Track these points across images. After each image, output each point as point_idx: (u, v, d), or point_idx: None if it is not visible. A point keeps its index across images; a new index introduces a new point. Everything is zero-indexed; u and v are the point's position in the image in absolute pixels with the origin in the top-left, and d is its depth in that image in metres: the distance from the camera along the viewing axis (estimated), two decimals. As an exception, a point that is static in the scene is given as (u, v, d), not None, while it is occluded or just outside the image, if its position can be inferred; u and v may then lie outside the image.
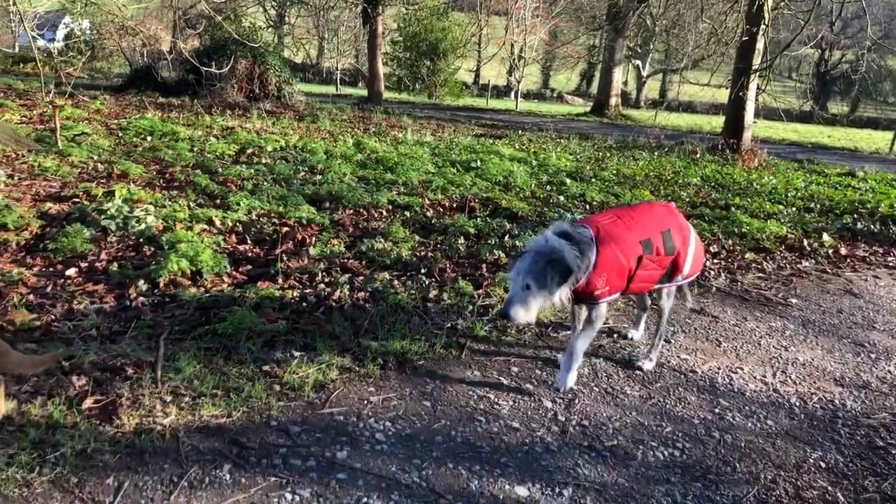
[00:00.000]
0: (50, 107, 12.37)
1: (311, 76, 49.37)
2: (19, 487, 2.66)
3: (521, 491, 3.00)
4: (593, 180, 10.41)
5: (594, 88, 48.51)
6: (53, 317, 4.12)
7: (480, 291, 5.09)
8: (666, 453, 3.39)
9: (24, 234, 5.43)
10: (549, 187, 9.57)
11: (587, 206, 8.49)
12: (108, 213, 5.76)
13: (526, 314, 3.53)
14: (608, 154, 14.16)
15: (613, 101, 31.79)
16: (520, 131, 18.29)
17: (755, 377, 4.34)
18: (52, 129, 9.52)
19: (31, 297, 4.38)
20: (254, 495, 2.78)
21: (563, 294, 3.58)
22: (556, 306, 3.68)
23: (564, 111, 34.31)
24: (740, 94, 15.40)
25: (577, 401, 3.83)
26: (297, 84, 21.59)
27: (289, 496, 2.80)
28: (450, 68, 33.66)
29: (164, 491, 2.75)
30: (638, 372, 4.25)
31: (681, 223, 4.04)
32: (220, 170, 8.41)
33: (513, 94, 41.46)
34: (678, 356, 4.55)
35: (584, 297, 3.74)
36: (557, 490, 3.02)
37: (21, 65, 29.05)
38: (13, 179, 6.97)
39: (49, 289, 4.52)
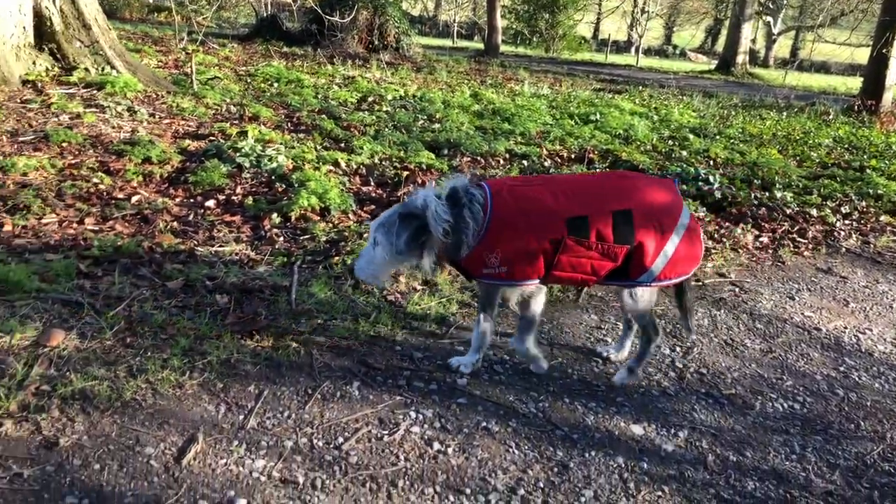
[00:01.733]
0: (183, 53, 13.00)
1: (428, 29, 49.41)
2: (173, 388, 2.93)
3: (637, 429, 3.04)
4: (717, 137, 10.06)
5: (720, 45, 46.29)
6: (196, 242, 4.42)
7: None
8: (785, 405, 3.34)
9: (167, 168, 5.80)
10: (670, 142, 9.33)
11: (711, 163, 8.24)
12: (243, 151, 6.06)
13: (373, 273, 3.09)
14: (733, 112, 13.60)
15: (740, 58, 30.31)
16: (640, 87, 17.78)
17: (885, 339, 4.18)
18: (186, 73, 10.01)
19: (174, 224, 4.70)
20: (380, 411, 2.95)
21: (426, 259, 3.02)
22: (425, 272, 3.20)
23: (687, 68, 33.00)
24: (883, 50, 14.40)
25: (695, 349, 3.81)
26: (414, 36, 21.71)
27: (413, 414, 2.96)
28: (569, 21, 32.93)
29: (299, 401, 2.95)
30: (759, 325, 4.17)
31: (661, 206, 3.05)
32: (343, 116, 8.64)
33: (633, 49, 40.20)
34: (802, 313, 4.43)
35: (470, 273, 3.10)
36: (672, 431, 3.05)
37: (156, 13, 30.44)
38: (154, 118, 7.41)
39: (191, 217, 4.84)
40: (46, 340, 3.05)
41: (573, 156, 7.85)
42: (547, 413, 3.08)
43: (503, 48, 30.70)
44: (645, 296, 3.18)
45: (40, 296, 3.42)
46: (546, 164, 7.31)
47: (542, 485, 2.63)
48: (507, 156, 7.54)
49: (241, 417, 2.81)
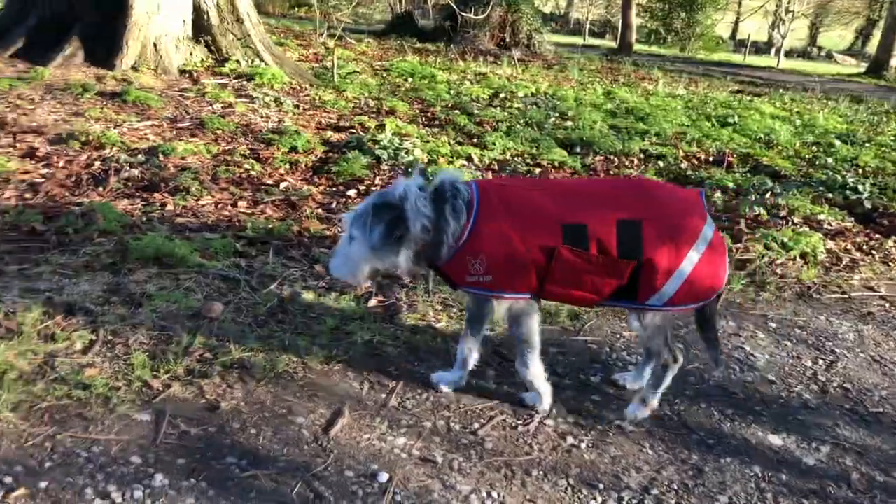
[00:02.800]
0: (323, 47, 13.51)
1: (559, 27, 49.02)
2: (321, 363, 3.10)
3: (775, 440, 2.97)
4: (867, 144, 9.50)
5: (871, 47, 43.45)
6: (339, 229, 4.63)
7: (739, 246, 4.94)
8: (941, 429, 3.16)
9: (311, 157, 6.09)
10: (815, 148, 8.90)
11: (860, 171, 7.80)
12: (381, 143, 6.27)
13: (349, 271, 2.80)
14: (885, 119, 12.78)
15: (895, 62, 28.37)
16: (781, 90, 17.00)
17: None
18: (326, 66, 10.42)
19: (319, 210, 4.94)
20: (515, 401, 3.01)
21: (402, 257, 2.69)
22: (403, 273, 2.93)
23: (833, 71, 31.19)
24: None
25: (839, 363, 3.66)
26: (546, 33, 21.63)
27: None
28: (707, 20, 31.85)
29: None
30: (913, 344, 3.95)
31: (678, 219, 2.67)
32: (475, 111, 8.76)
33: (773, 50, 38.38)
34: (964, 334, 4.16)
35: (452, 280, 2.79)
36: (814, 445, 2.95)
37: (297, 8, 31.71)
38: (299, 109, 7.77)
39: (334, 205, 5.07)
40: (207, 312, 3.30)
41: (711, 158, 7.64)
42: (682, 416, 3.05)
43: (636, 47, 30.06)
44: (656, 320, 2.79)
45: (201, 270, 3.69)
46: (682, 165, 7.16)
47: (675, 486, 2.62)
48: (642, 155, 7.43)
49: (383, 396, 2.95)
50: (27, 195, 4.63)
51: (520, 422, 2.89)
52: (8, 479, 2.26)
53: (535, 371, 2.91)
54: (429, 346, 3.35)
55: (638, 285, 2.64)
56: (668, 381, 2.95)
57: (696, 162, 7.46)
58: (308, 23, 21.54)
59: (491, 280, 2.64)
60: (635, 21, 29.55)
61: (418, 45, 18.35)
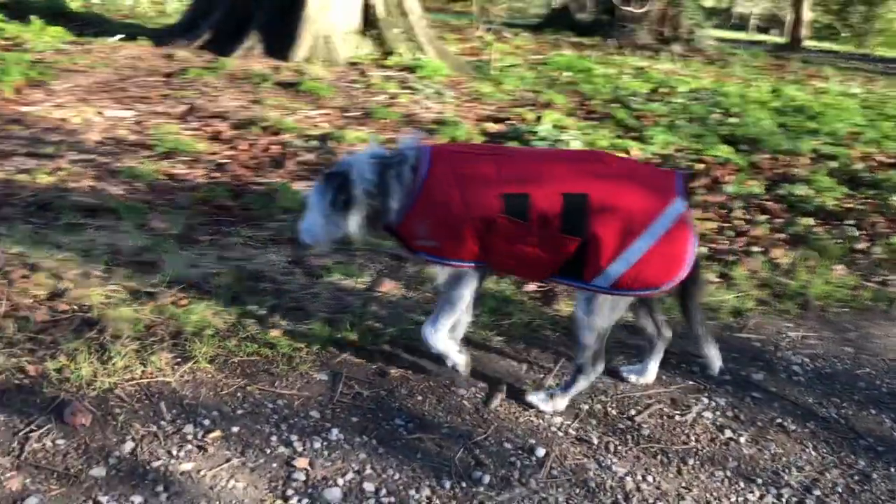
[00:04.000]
0: (480, 41, 13.71)
1: (722, 21, 47.00)
2: (483, 340, 3.23)
3: (957, 455, 2.80)
4: None
5: None
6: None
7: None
8: None
9: (470, 147, 6.25)
10: None
11: None
12: (539, 134, 6.34)
13: (313, 236, 2.85)
14: None
15: None
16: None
17: None
18: (484, 59, 10.59)
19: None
20: (673, 391, 3.02)
21: (351, 221, 2.70)
22: (353, 237, 2.84)
23: None
24: None
25: None
26: (707, 28, 20.86)
27: (705, 400, 2.99)
28: (889, 14, 29.53)
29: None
30: None
31: (634, 197, 2.50)
32: (634, 105, 8.63)
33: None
34: None
35: (403, 243, 2.76)
36: None
37: (453, 2, 32.26)
38: (459, 100, 7.97)
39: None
40: (378, 286, 3.51)
41: (891, 161, 7.14)
42: (850, 421, 2.94)
43: (806, 42, 28.35)
44: (604, 308, 2.61)
45: (373, 248, 3.92)
46: (857, 166, 6.74)
47: (840, 490, 2.54)
48: (813, 155, 7.06)
49: (541, 376, 3.04)
50: (215, 174, 5.07)
51: (677, 412, 2.89)
52: (206, 422, 2.54)
53: (440, 332, 2.82)
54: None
55: (583, 263, 2.51)
56: (580, 385, 2.79)
57: (873, 163, 7.00)
58: (465, 17, 21.91)
59: (436, 245, 2.62)
60: (807, 15, 27.85)
61: (574, 39, 18.21)
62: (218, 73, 7.75)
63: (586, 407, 2.85)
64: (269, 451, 2.43)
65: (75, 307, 3.11)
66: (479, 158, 2.69)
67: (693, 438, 2.74)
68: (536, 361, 3.14)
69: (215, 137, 5.88)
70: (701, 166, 6.11)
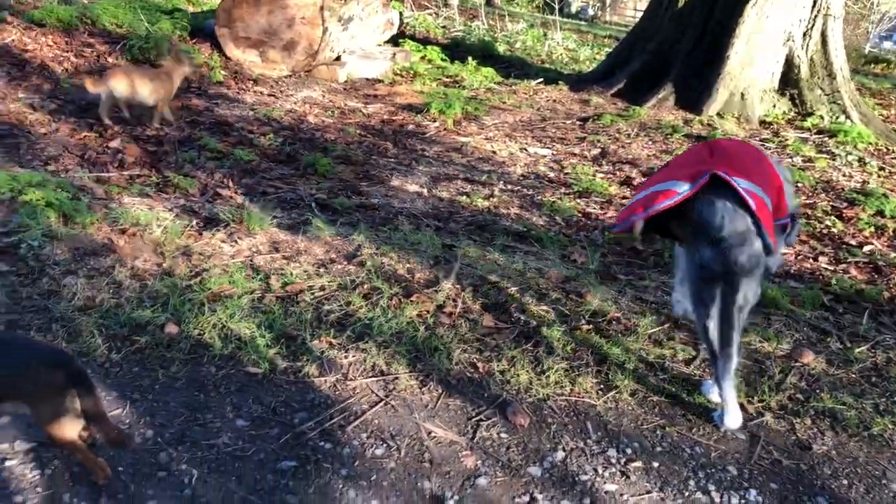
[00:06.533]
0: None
1: None
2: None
3: None
4: None
5: None
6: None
7: None
8: None
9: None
10: None
11: None
12: None
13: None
14: None
15: None
16: None
17: None
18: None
19: None
20: None
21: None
22: None
23: None
24: None
25: None
26: None
27: None
28: None
29: None
30: None
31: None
32: None
33: None
34: None
35: None
36: None
37: (872, 64, 29.42)
38: (885, 171, 7.28)
39: None
40: (798, 356, 3.38)
41: None
42: None
43: None
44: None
45: (791, 316, 3.79)
46: None
47: None
48: None
49: None
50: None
51: None
52: (628, 451, 2.69)
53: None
54: None
55: None
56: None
57: None
58: (887, 80, 19.84)
59: None
60: None
61: None
62: (630, 121, 8.08)
63: None
64: (686, 494, 2.50)
65: (514, 318, 3.51)
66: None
67: None
68: None
69: (626, 182, 6.15)
70: None
